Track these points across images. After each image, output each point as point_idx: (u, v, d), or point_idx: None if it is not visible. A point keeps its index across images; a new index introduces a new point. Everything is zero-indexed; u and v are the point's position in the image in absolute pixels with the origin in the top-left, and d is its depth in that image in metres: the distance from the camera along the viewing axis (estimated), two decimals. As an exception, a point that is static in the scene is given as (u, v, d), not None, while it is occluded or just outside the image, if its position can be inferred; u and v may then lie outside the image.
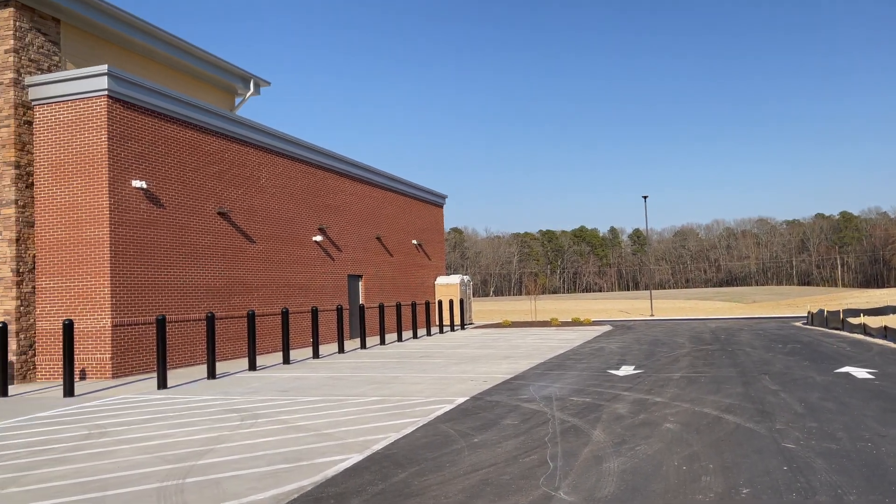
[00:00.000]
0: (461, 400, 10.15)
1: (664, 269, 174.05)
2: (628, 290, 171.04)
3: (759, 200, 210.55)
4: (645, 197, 43.17)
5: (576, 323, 29.60)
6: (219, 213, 17.92)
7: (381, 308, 21.74)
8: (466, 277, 32.93)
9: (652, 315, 37.75)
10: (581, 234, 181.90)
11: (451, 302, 28.09)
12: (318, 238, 22.56)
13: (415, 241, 30.72)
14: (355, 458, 6.88)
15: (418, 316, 28.53)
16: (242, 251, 18.83)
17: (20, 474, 6.76)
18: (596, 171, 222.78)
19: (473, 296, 34.07)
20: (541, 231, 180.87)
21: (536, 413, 9.01)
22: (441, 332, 26.34)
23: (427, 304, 25.37)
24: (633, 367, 13.75)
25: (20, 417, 10.16)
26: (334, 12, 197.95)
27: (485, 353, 17.61)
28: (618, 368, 13.54)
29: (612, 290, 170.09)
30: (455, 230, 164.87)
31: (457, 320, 29.54)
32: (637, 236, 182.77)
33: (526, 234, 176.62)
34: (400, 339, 22.63)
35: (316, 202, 22.78)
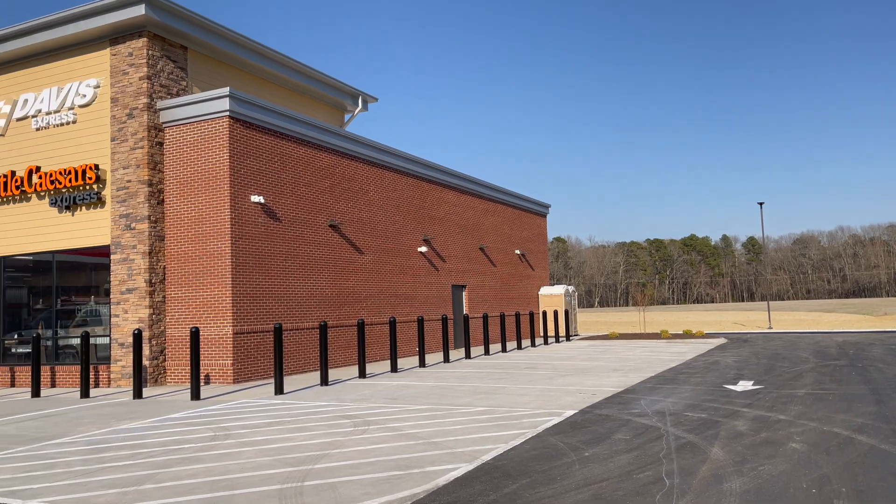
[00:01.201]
0: (569, 413, 10.00)
1: (782, 279, 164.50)
2: (743, 301, 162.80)
3: (891, 205, 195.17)
4: (761, 203, 41.00)
5: (687, 335, 28.50)
6: (330, 226, 18.60)
7: (485, 318, 21.79)
8: (571, 288, 32.45)
9: (770, 328, 35.77)
10: (691, 243, 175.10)
11: (555, 313, 27.76)
12: (423, 249, 22.94)
13: (518, 252, 30.63)
14: (465, 467, 6.92)
15: (522, 327, 28.37)
16: (352, 262, 19.44)
17: (156, 471, 7.26)
18: (706, 177, 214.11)
19: (578, 306, 33.50)
20: (648, 240, 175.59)
21: (649, 428, 8.74)
22: (546, 343, 26.07)
23: (531, 315, 25.20)
24: (751, 382, 13.08)
25: (154, 418, 10.92)
26: (436, 26, 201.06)
27: (592, 365, 17.28)
28: (735, 384, 12.92)
29: (725, 301, 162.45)
30: (558, 239, 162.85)
31: (561, 331, 29.15)
32: (752, 244, 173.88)
33: (632, 243, 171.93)
34: (504, 349, 22.59)
35: (421, 213, 23.20)
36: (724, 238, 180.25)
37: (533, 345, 24.73)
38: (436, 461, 7.22)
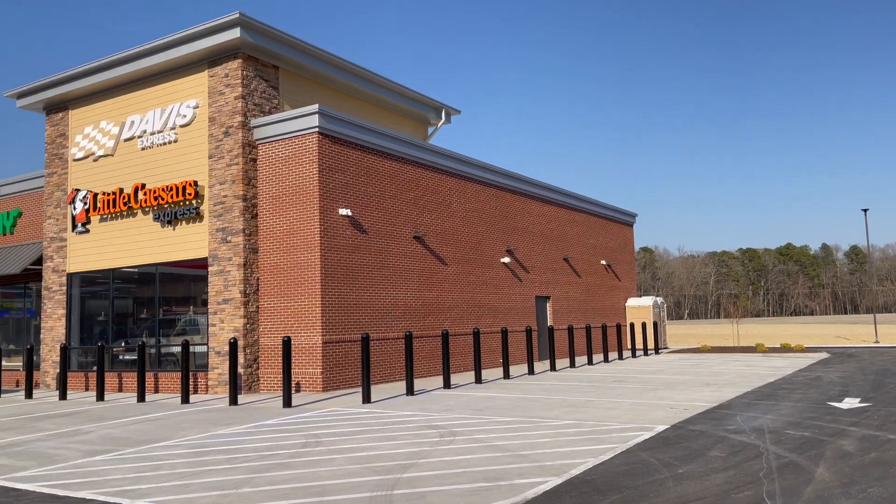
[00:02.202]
0: (661, 428, 9.70)
1: (889, 290, 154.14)
2: (845, 313, 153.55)
3: None
4: (865, 210, 38.66)
5: (785, 349, 27.13)
6: (415, 238, 18.84)
7: (571, 330, 21.48)
8: (660, 299, 31.54)
9: (877, 341, 33.55)
10: (788, 252, 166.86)
11: (643, 325, 27.04)
12: (506, 259, 22.87)
13: (604, 262, 30.07)
14: (553, 481, 6.82)
15: (609, 339, 27.73)
16: (436, 273, 19.61)
17: (253, 476, 7.53)
18: (804, 182, 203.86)
19: (667, 318, 32.49)
20: (740, 249, 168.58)
21: (747, 446, 8.36)
22: (633, 356, 25.43)
23: (618, 327, 24.65)
24: (858, 399, 12.30)
25: (249, 424, 11.34)
26: (517, 37, 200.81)
27: (683, 379, 16.71)
28: (840, 400, 12.18)
29: (825, 314, 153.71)
30: (645, 249, 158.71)
31: (650, 344, 28.36)
32: (855, 254, 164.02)
33: (724, 252, 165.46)
34: (590, 362, 22.18)
35: (504, 224, 23.17)
36: (825, 247, 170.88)
37: (620, 358, 24.17)
38: (524, 474, 7.16)
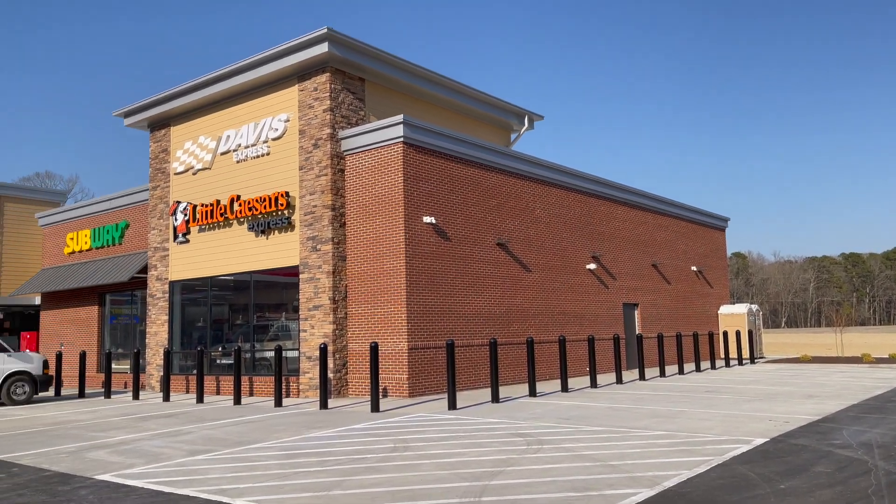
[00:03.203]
0: (759, 441, 9.27)
1: None
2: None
3: None
4: (985, 210, 35.71)
5: (894, 360, 25.41)
6: (498, 244, 18.83)
7: (660, 338, 20.88)
8: (755, 306, 30.19)
9: None
10: None
11: (737, 333, 25.96)
12: (592, 266, 22.50)
13: (694, 268, 29.09)
14: (646, 493, 6.64)
15: (701, 348, 26.77)
16: (519, 280, 19.51)
17: (343, 479, 7.71)
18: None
19: (762, 327, 31.08)
20: (843, 254, 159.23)
21: (854, 461, 7.87)
22: (727, 365, 24.45)
23: (710, 335, 23.78)
24: (981, 415, 11.36)
25: (339, 428, 11.61)
26: (601, 41, 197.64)
27: (781, 390, 15.93)
28: (960, 416, 11.29)
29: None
30: (738, 255, 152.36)
31: (745, 353, 27.18)
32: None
33: (824, 257, 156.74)
34: (681, 371, 21.48)
35: (589, 230, 22.81)
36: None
37: (713, 367, 23.29)
38: (614, 484, 7.00)
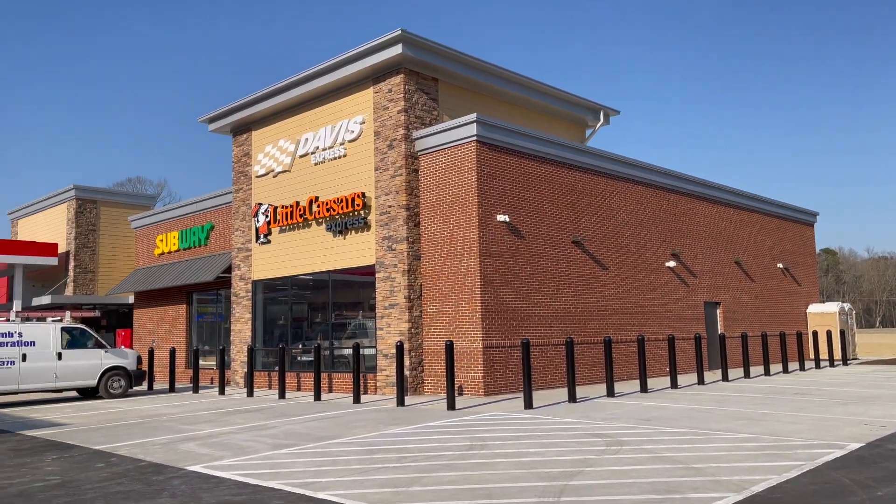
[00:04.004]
0: (854, 446, 8.81)
1: None
2: None
3: None
4: None
5: None
6: (573, 242, 18.60)
7: (744, 338, 20.12)
8: (847, 305, 28.68)
9: None
10: None
11: (827, 333, 24.73)
12: (671, 264, 21.91)
13: (780, 265, 27.89)
14: (732, 497, 6.42)
15: (788, 348, 25.68)
16: (596, 278, 19.20)
17: (421, 475, 7.79)
18: None
19: (855, 326, 29.48)
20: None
21: (962, 471, 7.37)
22: (817, 366, 23.34)
23: (798, 335, 22.75)
24: None
25: (415, 425, 11.74)
26: (679, 29, 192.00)
27: (877, 393, 15.08)
28: None
29: None
30: (827, 251, 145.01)
31: (836, 354, 25.86)
32: None
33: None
34: (767, 372, 20.64)
35: (667, 227, 22.22)
36: None
37: (801, 368, 22.28)
38: (698, 488, 6.80)
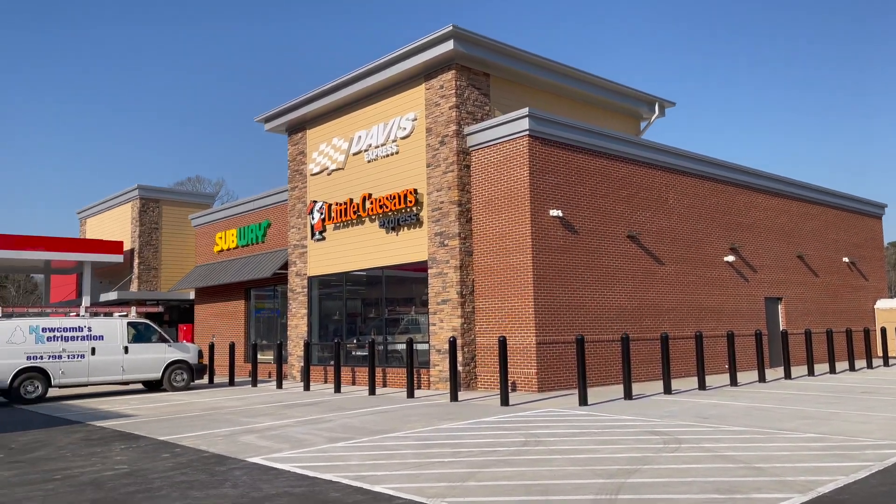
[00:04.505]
0: (928, 448, 8.43)
1: None
2: None
3: None
4: None
5: None
6: (628, 237, 18.30)
7: (808, 334, 19.47)
8: (918, 300, 27.44)
9: None
10: None
11: (897, 329, 23.71)
12: (730, 258, 21.34)
13: (846, 259, 26.86)
14: (797, 498, 6.23)
15: (855, 345, 24.73)
16: (652, 273, 18.87)
17: (476, 470, 7.81)
18: None
19: (929, 323, 28.14)
20: None
21: None
22: (886, 364, 22.41)
23: (866, 332, 21.90)
24: None
25: (469, 420, 11.77)
26: (732, 21, 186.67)
27: (953, 393, 14.39)
28: None
29: None
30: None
31: (907, 351, 24.78)
32: None
33: None
34: (832, 370, 19.93)
35: (726, 220, 21.65)
36: None
37: (869, 366, 21.44)
38: (761, 488, 6.63)
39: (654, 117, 22.69)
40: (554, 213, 16.42)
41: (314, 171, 21.76)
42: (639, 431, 10.14)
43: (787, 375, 18.22)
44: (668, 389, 15.01)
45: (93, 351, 18.02)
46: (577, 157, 17.35)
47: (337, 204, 20.56)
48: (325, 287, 21.53)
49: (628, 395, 14.11)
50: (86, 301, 31.06)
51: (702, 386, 15.77)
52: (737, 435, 9.65)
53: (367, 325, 20.09)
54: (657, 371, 18.12)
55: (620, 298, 17.85)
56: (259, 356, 24.11)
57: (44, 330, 17.49)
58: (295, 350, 21.96)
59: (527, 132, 16.28)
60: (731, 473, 7.28)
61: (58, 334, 17.64)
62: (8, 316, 17.68)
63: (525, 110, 16.31)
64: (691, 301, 19.97)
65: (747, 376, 18.85)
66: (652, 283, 18.82)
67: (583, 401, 13.35)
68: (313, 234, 21.59)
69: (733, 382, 16.56)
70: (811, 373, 19.15)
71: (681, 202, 20.14)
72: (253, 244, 26.07)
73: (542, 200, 16.37)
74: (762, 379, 17.36)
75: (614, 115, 22.01)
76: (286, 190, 23.67)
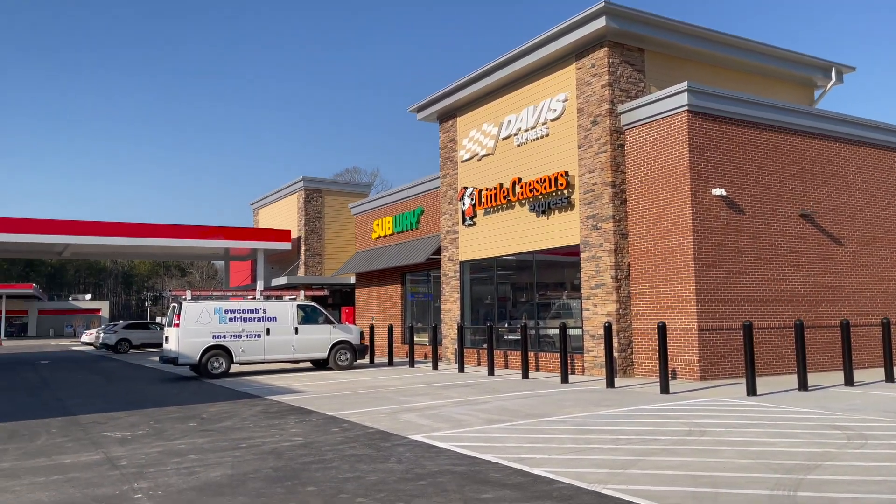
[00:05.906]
0: None
1: None
2: None
3: None
4: None
5: None
6: (801, 216, 16.91)
7: None
8: None
9: None
10: None
11: None
12: (924, 237, 19.08)
13: None
14: None
15: None
16: (828, 255, 17.32)
17: (637, 458, 7.60)
18: None
19: None
20: None
21: None
22: None
23: None
24: None
25: (627, 408, 11.47)
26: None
27: None
28: None
29: None
30: None
31: None
32: None
33: None
34: None
35: (919, 195, 19.36)
36: None
37: None
38: (970, 494, 5.90)
39: (830, 84, 20.71)
40: (717, 191, 15.52)
41: (464, 158, 22.06)
42: (817, 425, 9.38)
43: None
44: (849, 381, 13.76)
45: (267, 331, 19.52)
46: (743, 132, 16.24)
47: (487, 189, 20.73)
48: (476, 272, 21.83)
49: (803, 385, 13.09)
50: (260, 285, 33.72)
51: (889, 378, 14.30)
52: (936, 434, 8.66)
53: (517, 310, 20.15)
54: (834, 361, 16.67)
55: (792, 282, 16.56)
56: (415, 338, 24.95)
57: (226, 312, 19.18)
58: (448, 333, 22.49)
59: (686, 107, 15.47)
60: (931, 476, 6.55)
61: (238, 315, 19.27)
62: (196, 299, 19.56)
63: (683, 84, 15.50)
64: (876, 285, 18.12)
65: (946, 369, 16.81)
66: (829, 266, 17.28)
67: (751, 391, 12.56)
68: (464, 220, 21.94)
69: (928, 376, 14.85)
70: None
71: (862, 176, 18.28)
72: (407, 230, 26.96)
73: (704, 179, 15.51)
74: (965, 372, 15.41)
75: (784, 84, 20.33)
76: (438, 177, 24.21)
